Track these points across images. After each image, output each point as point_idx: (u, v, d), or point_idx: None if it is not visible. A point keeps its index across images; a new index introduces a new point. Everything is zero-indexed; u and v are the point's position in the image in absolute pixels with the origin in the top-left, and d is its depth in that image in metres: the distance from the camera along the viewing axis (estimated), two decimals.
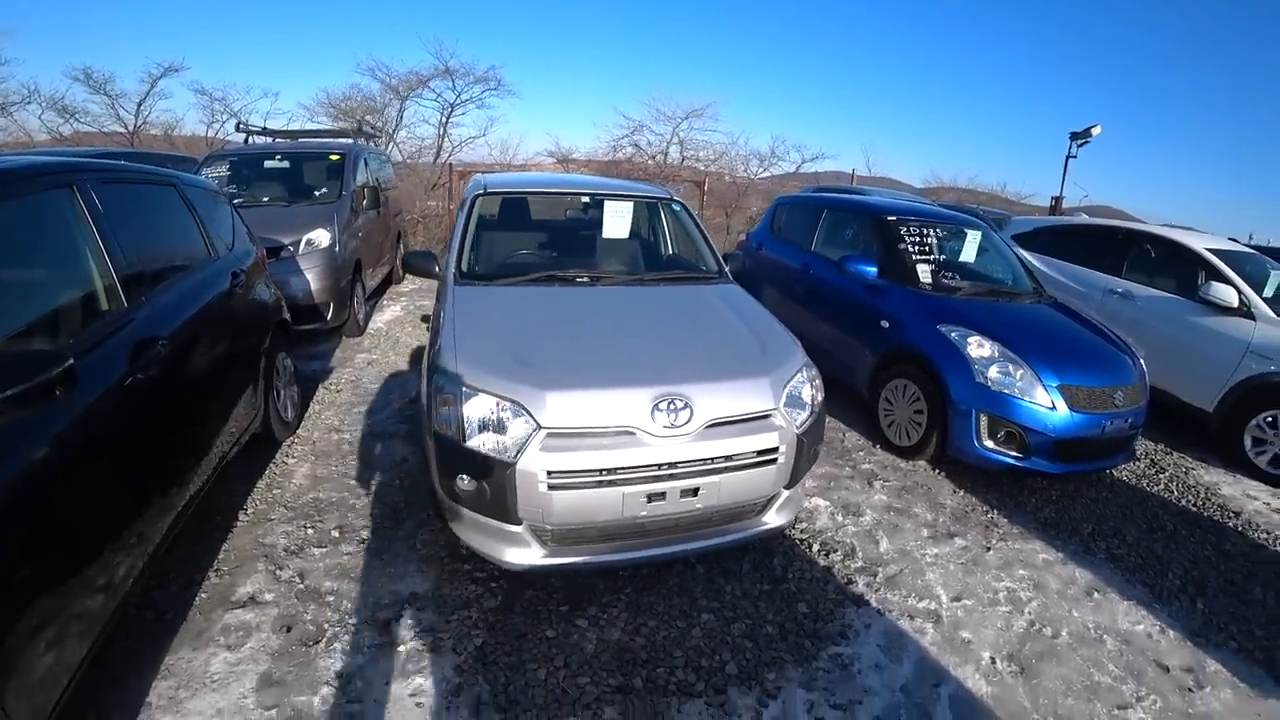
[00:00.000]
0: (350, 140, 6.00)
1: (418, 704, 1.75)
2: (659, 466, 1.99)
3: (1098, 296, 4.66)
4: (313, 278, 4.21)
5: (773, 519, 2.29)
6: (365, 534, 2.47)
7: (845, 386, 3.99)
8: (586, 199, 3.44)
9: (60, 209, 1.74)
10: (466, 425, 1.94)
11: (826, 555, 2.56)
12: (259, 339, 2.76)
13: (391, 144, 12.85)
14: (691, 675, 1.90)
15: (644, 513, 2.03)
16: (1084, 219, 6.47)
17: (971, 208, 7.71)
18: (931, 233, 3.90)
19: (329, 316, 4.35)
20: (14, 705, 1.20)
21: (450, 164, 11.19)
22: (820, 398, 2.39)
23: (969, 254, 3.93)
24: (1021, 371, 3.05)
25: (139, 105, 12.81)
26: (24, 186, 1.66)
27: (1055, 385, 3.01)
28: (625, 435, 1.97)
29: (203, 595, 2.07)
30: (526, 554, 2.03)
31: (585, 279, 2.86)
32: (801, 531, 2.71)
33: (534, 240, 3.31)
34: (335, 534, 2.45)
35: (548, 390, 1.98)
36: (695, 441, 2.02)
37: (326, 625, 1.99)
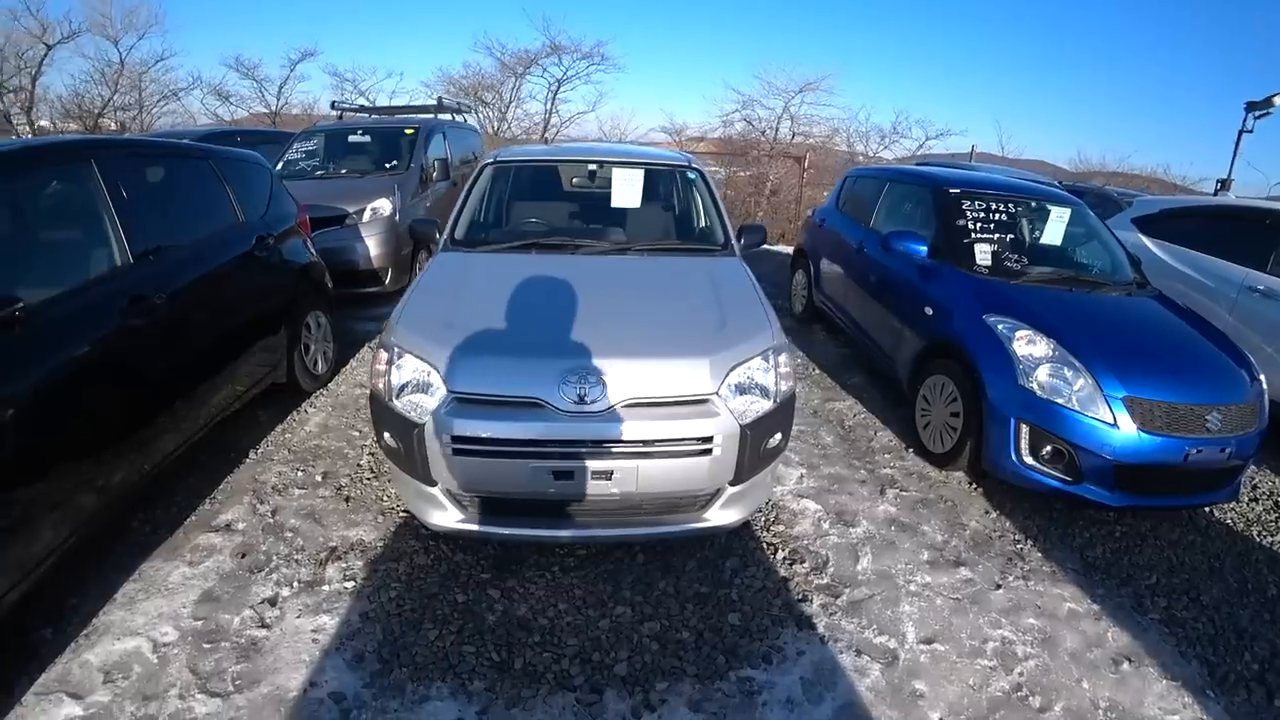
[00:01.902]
0: (430, 116, 6.39)
1: (314, 639, 1.87)
2: (565, 444, 1.90)
3: (1231, 294, 3.62)
4: (373, 244, 4.59)
5: (715, 517, 2.10)
6: (344, 482, 2.68)
7: (892, 380, 3.54)
8: (594, 167, 3.34)
9: (81, 179, 2.04)
10: (393, 385, 2.00)
11: (790, 565, 2.31)
12: (286, 296, 3.06)
13: (505, 120, 13.51)
14: (575, 668, 1.82)
15: (552, 490, 1.97)
16: (1229, 199, 5.07)
17: (1096, 187, 6.41)
18: (1001, 208, 3.27)
19: (386, 281, 4.73)
20: None
21: (554, 140, 11.55)
22: (788, 387, 2.13)
23: (1052, 234, 3.25)
24: (1079, 378, 2.47)
25: (280, 88, 14.70)
26: (53, 159, 1.98)
27: (1120, 397, 2.40)
28: (532, 407, 1.91)
29: (192, 518, 2.38)
30: (444, 516, 2.06)
31: (571, 247, 2.79)
32: (774, 535, 2.47)
33: (536, 210, 3.30)
34: (319, 479, 2.68)
35: (458, 356, 1.97)
36: (608, 421, 1.90)
37: (274, 557, 2.20)
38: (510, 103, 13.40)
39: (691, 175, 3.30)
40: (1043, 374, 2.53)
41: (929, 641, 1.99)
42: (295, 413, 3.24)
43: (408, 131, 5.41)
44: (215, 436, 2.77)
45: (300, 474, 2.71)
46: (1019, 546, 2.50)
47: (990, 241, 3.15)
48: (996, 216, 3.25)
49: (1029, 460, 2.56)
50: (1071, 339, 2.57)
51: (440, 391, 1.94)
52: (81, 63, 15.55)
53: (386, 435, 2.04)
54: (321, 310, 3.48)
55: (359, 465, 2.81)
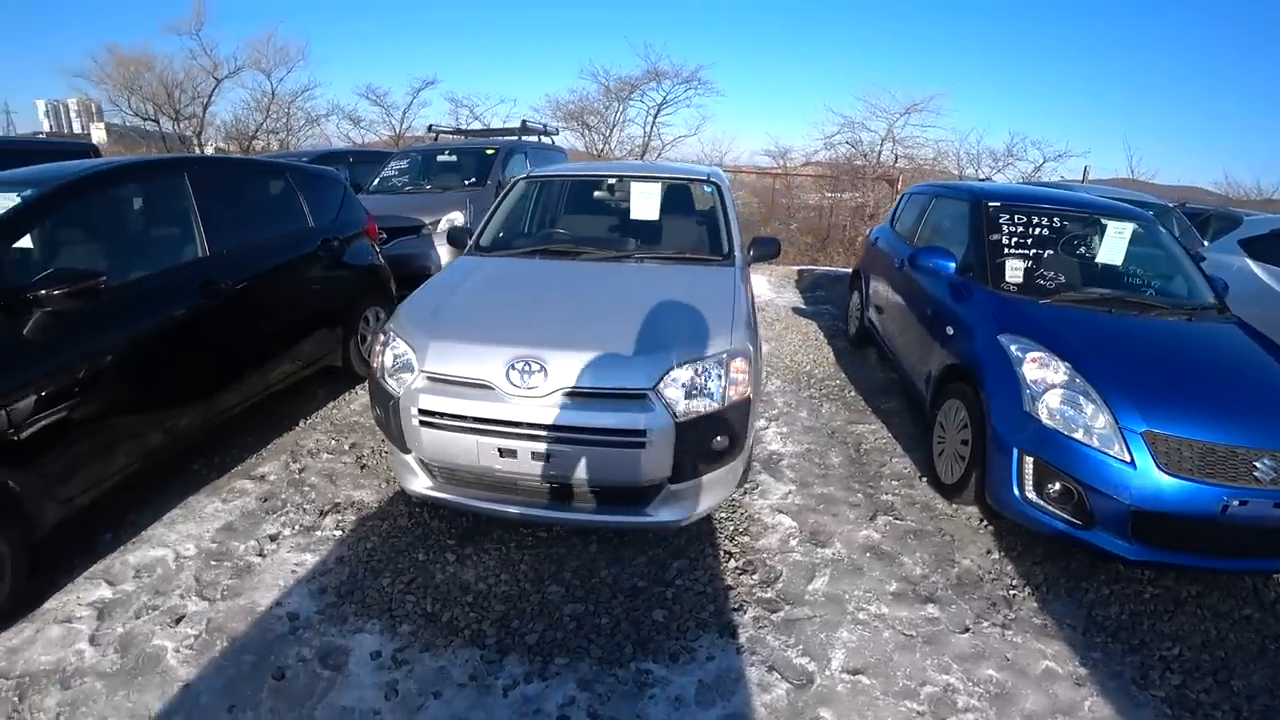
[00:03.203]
0: (514, 138, 7.02)
1: (294, 571, 2.19)
2: (508, 423, 2.07)
3: None
4: (444, 252, 5.14)
5: (656, 512, 2.15)
6: (366, 453, 3.06)
7: (922, 405, 3.31)
8: (613, 181, 3.53)
9: (176, 187, 2.62)
10: (385, 364, 2.30)
11: (738, 575, 2.27)
12: (346, 292, 3.58)
13: (608, 143, 14.29)
14: (492, 629, 1.95)
15: (498, 466, 2.14)
16: None
17: (1220, 209, 5.46)
18: (1044, 222, 2.96)
19: None
20: (54, 472, 1.98)
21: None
22: (739, 393, 2.14)
23: (1109, 252, 2.88)
24: (1093, 407, 2.18)
25: (403, 113, 16.56)
26: (160, 171, 2.57)
27: (1139, 431, 2.08)
28: (484, 389, 2.10)
29: (238, 467, 2.87)
30: (417, 482, 2.31)
31: (575, 254, 2.99)
32: (735, 545, 2.44)
33: (557, 220, 3.54)
34: (346, 448, 3.09)
35: (430, 340, 2.23)
36: (546, 406, 2.04)
37: (289, 504, 2.59)
38: (614, 126, 14.22)
39: (708, 189, 3.38)
40: (1053, 400, 2.27)
41: (855, 672, 1.86)
42: (346, 393, 3.74)
43: (489, 151, 6.03)
44: (277, 405, 3.31)
45: (333, 443, 3.14)
46: (1012, 593, 2.23)
47: (1025, 257, 2.87)
48: (1037, 231, 2.94)
49: (1033, 497, 2.28)
50: (1090, 363, 2.27)
51: (413, 370, 2.21)
52: (241, 93, 18.65)
53: (376, 408, 2.35)
54: (381, 306, 3.99)
55: (382, 441, 3.19)
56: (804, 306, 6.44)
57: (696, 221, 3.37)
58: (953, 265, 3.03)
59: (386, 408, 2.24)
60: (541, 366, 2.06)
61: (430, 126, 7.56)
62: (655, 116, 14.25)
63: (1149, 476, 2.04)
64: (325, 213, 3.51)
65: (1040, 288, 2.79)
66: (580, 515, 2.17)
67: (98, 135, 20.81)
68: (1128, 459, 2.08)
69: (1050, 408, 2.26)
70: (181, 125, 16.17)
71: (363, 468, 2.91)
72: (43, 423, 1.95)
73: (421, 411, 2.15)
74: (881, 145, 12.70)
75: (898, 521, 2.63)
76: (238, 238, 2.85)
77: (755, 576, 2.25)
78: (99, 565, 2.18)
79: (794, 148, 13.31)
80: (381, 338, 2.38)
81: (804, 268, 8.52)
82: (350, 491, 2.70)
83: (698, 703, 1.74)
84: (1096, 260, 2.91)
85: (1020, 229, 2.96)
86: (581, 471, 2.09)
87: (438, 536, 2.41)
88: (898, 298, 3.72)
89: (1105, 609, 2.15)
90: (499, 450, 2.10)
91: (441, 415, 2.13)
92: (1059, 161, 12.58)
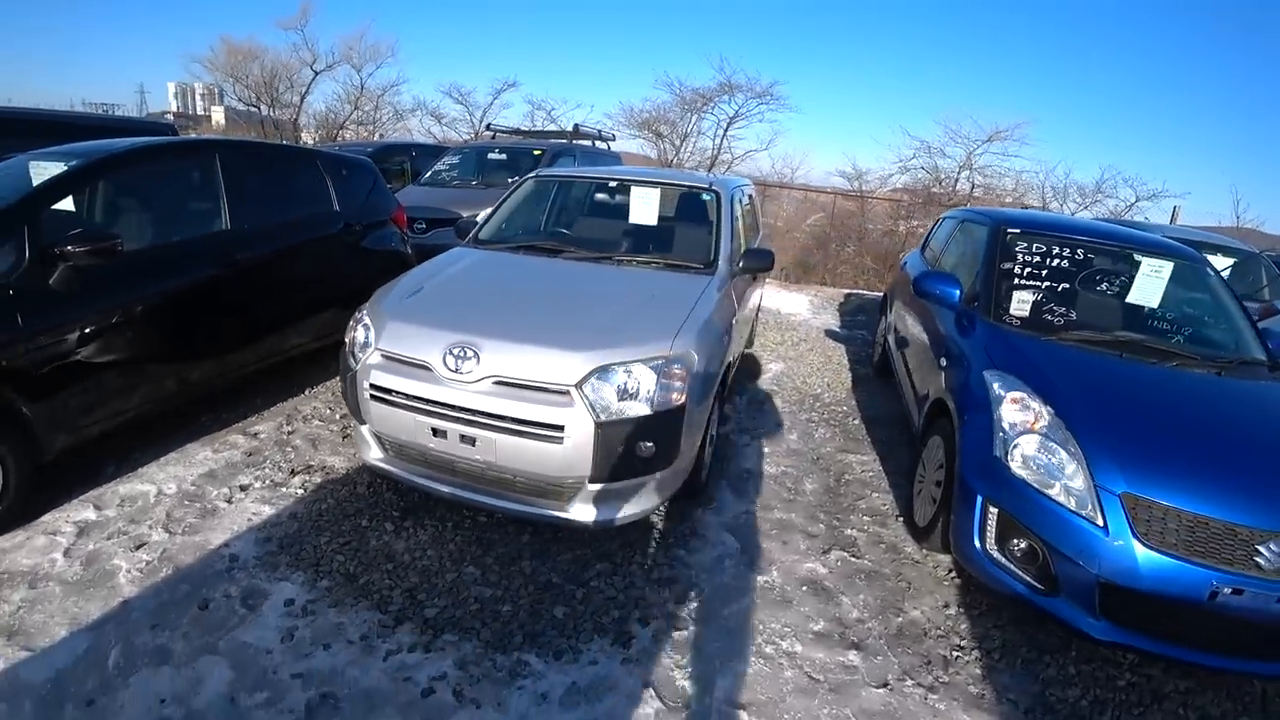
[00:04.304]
0: (565, 141, 7.21)
1: (250, 519, 2.38)
2: (440, 404, 2.14)
3: None
4: None
5: (574, 512, 2.14)
6: (352, 424, 3.25)
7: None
8: (614, 184, 3.55)
9: (209, 165, 2.94)
10: (355, 340, 2.45)
11: (658, 587, 2.19)
12: (365, 273, 3.83)
13: (679, 153, 14.35)
14: (398, 597, 2.02)
15: (431, 445, 2.21)
16: None
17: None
18: (1066, 253, 2.65)
19: None
20: (65, 409, 2.27)
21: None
22: (670, 399, 2.10)
23: (1143, 292, 2.54)
24: (1069, 459, 1.92)
25: (483, 112, 17.18)
26: (198, 149, 2.92)
27: (1117, 492, 1.80)
28: (424, 370, 2.19)
29: (239, 422, 3.14)
30: (370, 453, 2.44)
31: (557, 253, 3.04)
32: (667, 556, 2.36)
33: (552, 219, 3.61)
34: (338, 417, 3.30)
35: (388, 320, 2.35)
36: (475, 393, 2.09)
37: (268, 461, 2.80)
38: (685, 137, 14.24)
39: (706, 197, 3.32)
40: (1028, 447, 2.02)
41: (738, 706, 1.75)
42: None
43: (535, 152, 6.24)
44: (293, 371, 3.59)
45: (328, 411, 3.36)
46: (955, 654, 2.01)
47: (1035, 289, 2.58)
48: (1056, 262, 2.64)
49: (995, 553, 2.05)
50: (1078, 410, 2.01)
51: (373, 347, 2.33)
52: (333, 85, 20.05)
53: (342, 380, 2.50)
54: None
55: None
56: (838, 329, 6.14)
57: (688, 229, 3.32)
58: (958, 293, 2.78)
59: (347, 379, 2.38)
60: (475, 353, 2.11)
61: (489, 125, 7.94)
62: (726, 130, 14.17)
63: (1123, 546, 1.77)
64: (352, 198, 3.78)
65: (1045, 323, 2.50)
66: (500, 502, 2.20)
67: (217, 117, 23.52)
68: (1100, 523, 1.81)
69: (1024, 455, 2.02)
70: (278, 112, 17.77)
71: (345, 437, 3.09)
72: (59, 362, 2.24)
73: (373, 386, 2.26)
74: (959, 173, 12.09)
75: (853, 559, 2.45)
76: (262, 215, 3.14)
77: (673, 591, 2.18)
78: (94, 491, 2.47)
79: (870, 170, 12.81)
80: (356, 315, 2.53)
81: (853, 291, 8.13)
82: (326, 457, 2.89)
83: (562, 703, 1.70)
84: (1126, 299, 2.57)
85: (1036, 259, 2.67)
86: (501, 458, 2.12)
87: (385, 507, 2.52)
88: (909, 325, 3.47)
89: (1064, 689, 1.89)
90: (432, 430, 2.18)
91: (388, 391, 2.24)
92: (1152, 201, 11.59)
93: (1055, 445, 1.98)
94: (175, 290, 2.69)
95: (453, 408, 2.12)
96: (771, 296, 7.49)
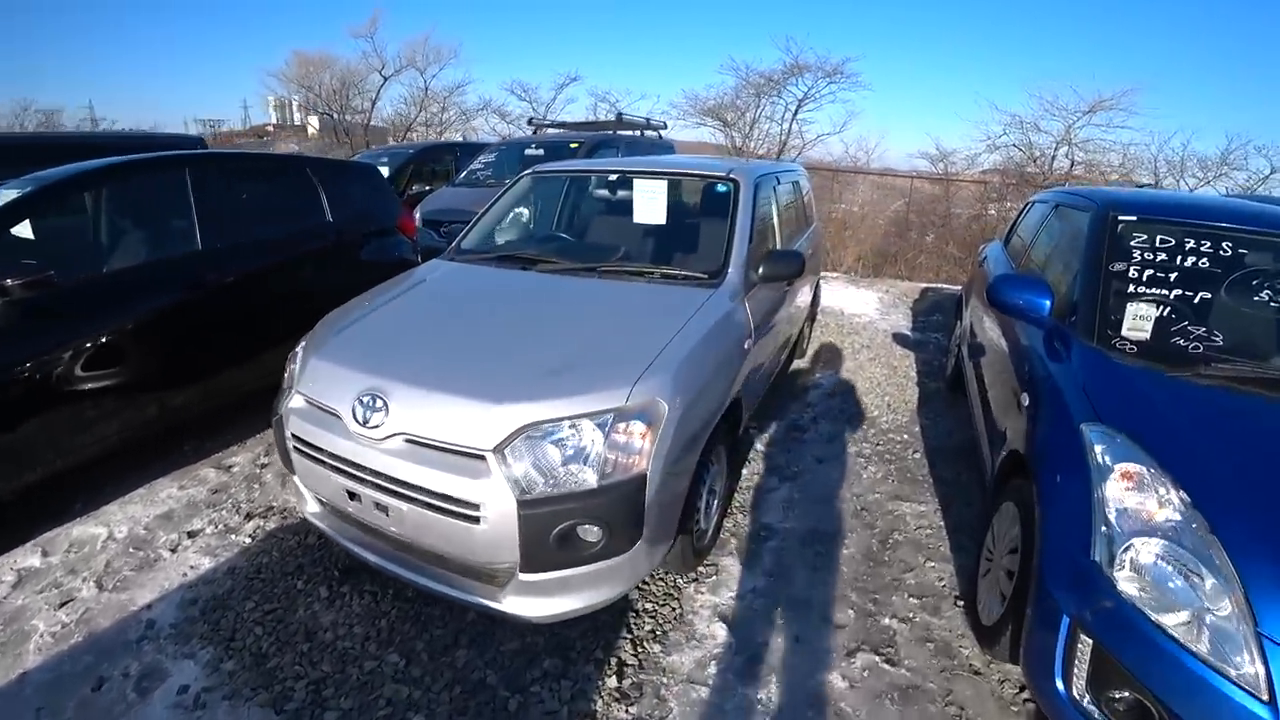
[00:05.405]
0: (609, 132, 6.72)
1: (185, 575, 2.18)
2: (349, 463, 1.79)
3: None
4: None
5: (509, 604, 1.69)
6: None
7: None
8: (615, 178, 3.05)
9: (177, 182, 2.79)
10: (286, 378, 2.16)
11: (613, 700, 1.71)
12: (359, 284, 3.59)
13: (749, 139, 13.45)
14: (302, 695, 1.70)
15: (350, 509, 1.88)
16: None
17: None
18: (1208, 249, 1.84)
19: None
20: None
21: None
22: (627, 464, 1.63)
23: None
24: (1214, 581, 1.23)
25: (546, 108, 16.82)
26: (163, 166, 2.77)
27: None
28: (336, 419, 1.85)
29: (218, 452, 3.00)
30: (305, 505, 2.15)
31: (541, 264, 2.61)
32: (637, 654, 1.87)
33: (547, 223, 3.17)
34: None
35: (312, 356, 2.03)
36: (383, 452, 1.72)
37: (231, 500, 2.62)
38: (753, 123, 13.28)
39: (722, 189, 2.75)
40: (1144, 553, 1.35)
41: None
42: None
43: (573, 145, 5.85)
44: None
45: None
46: None
47: (1161, 301, 1.81)
48: (1194, 261, 1.84)
49: (1085, 700, 1.39)
50: (1222, 498, 1.30)
51: (293, 390, 2.03)
52: (400, 88, 20.47)
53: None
54: None
55: None
56: (909, 333, 5.27)
57: (699, 230, 2.77)
58: (1047, 304, 2.06)
59: (274, 423, 2.10)
60: (384, 403, 1.74)
61: (530, 120, 7.63)
62: (795, 113, 13.00)
63: None
64: (348, 207, 3.56)
65: (1176, 352, 1.73)
66: (427, 581, 1.81)
67: (311, 129, 25.11)
68: (1264, 694, 1.13)
69: (1139, 565, 1.35)
70: (349, 119, 18.45)
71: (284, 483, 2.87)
72: None
73: (293, 435, 1.96)
74: (1057, 149, 10.32)
75: (887, 666, 1.84)
76: (240, 232, 2.96)
77: (633, 710, 1.70)
78: (50, 533, 2.37)
79: (956, 150, 11.37)
80: (299, 346, 2.24)
81: (931, 285, 7.07)
82: (290, 496, 2.66)
83: None
84: None
85: (1162, 257, 1.88)
86: (415, 535, 1.74)
87: (328, 565, 2.23)
88: (986, 334, 2.72)
89: None
90: (348, 492, 1.83)
91: (303, 443, 1.92)
92: None
93: (1189, 555, 1.29)
94: (135, 318, 2.54)
95: (362, 469, 1.76)
96: (836, 294, 6.68)
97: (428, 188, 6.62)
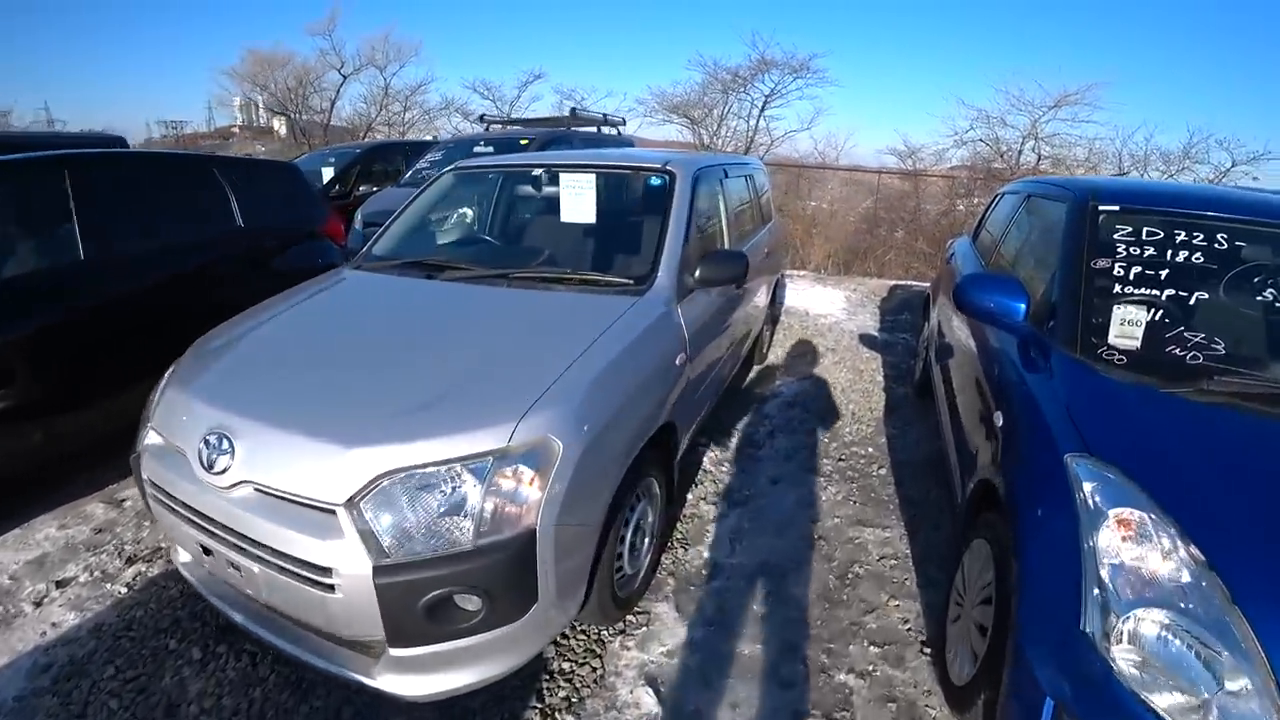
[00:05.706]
0: (562, 128, 6.40)
1: (44, 633, 1.86)
2: (195, 513, 1.49)
3: None
4: None
5: (383, 680, 1.40)
6: None
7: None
8: (540, 172, 2.75)
9: (54, 186, 2.42)
10: (146, 410, 1.82)
11: None
12: (268, 290, 3.24)
13: (717, 137, 13.18)
14: None
15: (206, 565, 1.57)
16: None
17: None
18: (1202, 242, 1.61)
19: None
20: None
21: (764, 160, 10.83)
22: (513, 517, 1.33)
23: None
24: (1236, 661, 0.99)
25: (510, 106, 16.20)
26: (37, 167, 2.40)
27: None
28: (185, 460, 1.53)
29: (113, 484, 2.60)
30: (175, 554, 1.84)
31: (447, 272, 2.27)
32: None
33: (466, 224, 2.87)
34: None
35: (169, 385, 1.72)
36: (230, 503, 1.41)
37: (113, 542, 2.28)
38: (722, 119, 12.99)
39: (656, 182, 2.47)
40: (1148, 625, 1.10)
41: None
42: None
43: (523, 142, 5.53)
44: None
45: None
46: None
47: (1152, 303, 1.57)
48: (1186, 256, 1.60)
49: None
50: (1236, 554, 1.06)
51: (148, 425, 1.72)
52: (360, 88, 19.61)
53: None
54: None
55: None
56: (877, 334, 5.06)
57: (629, 229, 2.49)
58: (1022, 307, 1.81)
59: (130, 461, 1.77)
60: (230, 445, 1.43)
61: (482, 116, 7.28)
62: (762, 109, 12.74)
63: None
64: (264, 211, 3.20)
65: (1174, 363, 1.50)
66: (298, 651, 1.50)
67: (278, 130, 24.25)
68: None
69: (1139, 637, 1.10)
70: (307, 119, 17.67)
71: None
72: None
73: (148, 478, 1.64)
74: (1023, 144, 10.43)
75: None
76: (131, 240, 2.61)
77: None
78: None
79: (924, 146, 11.50)
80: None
81: (900, 283, 6.89)
82: None
83: None
84: None
85: (1151, 252, 1.65)
86: (272, 601, 1.44)
87: (206, 620, 1.91)
88: (955, 338, 2.48)
89: None
90: (202, 547, 1.52)
91: (155, 486, 1.61)
92: (1253, 165, 9.55)
93: (1203, 631, 1.04)
94: (7, 335, 2.17)
95: (212, 520, 1.46)
96: (801, 294, 6.45)
97: (375, 188, 6.24)
